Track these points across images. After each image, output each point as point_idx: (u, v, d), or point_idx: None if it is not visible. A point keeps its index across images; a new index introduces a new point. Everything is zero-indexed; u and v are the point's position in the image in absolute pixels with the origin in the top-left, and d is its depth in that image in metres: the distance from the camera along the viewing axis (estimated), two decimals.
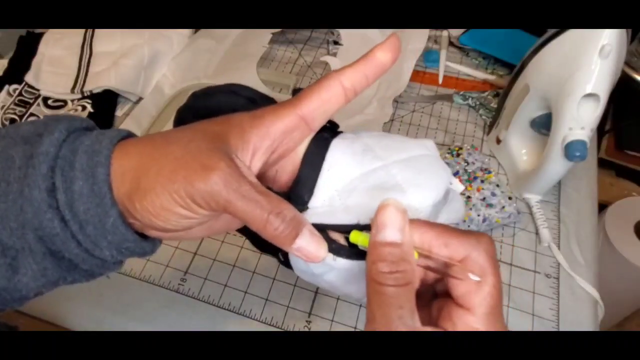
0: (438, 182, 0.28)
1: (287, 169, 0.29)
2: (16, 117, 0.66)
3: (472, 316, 0.23)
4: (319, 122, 0.27)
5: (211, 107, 0.32)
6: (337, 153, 0.28)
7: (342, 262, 0.26)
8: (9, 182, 0.24)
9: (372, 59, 0.27)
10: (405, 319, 0.22)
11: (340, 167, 0.28)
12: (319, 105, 0.27)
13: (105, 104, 0.69)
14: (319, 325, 0.48)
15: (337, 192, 0.27)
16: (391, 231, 0.23)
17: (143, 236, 0.26)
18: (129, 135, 0.26)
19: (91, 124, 0.27)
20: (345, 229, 0.26)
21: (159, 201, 0.23)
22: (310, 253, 0.24)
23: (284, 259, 0.32)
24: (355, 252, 0.26)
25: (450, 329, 0.23)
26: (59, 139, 0.24)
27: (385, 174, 0.27)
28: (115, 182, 0.24)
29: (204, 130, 0.25)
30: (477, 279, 0.23)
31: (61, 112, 0.68)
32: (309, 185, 0.28)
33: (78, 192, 0.23)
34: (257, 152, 0.26)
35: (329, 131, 0.30)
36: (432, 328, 0.23)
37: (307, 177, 0.28)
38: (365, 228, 0.25)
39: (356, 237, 0.25)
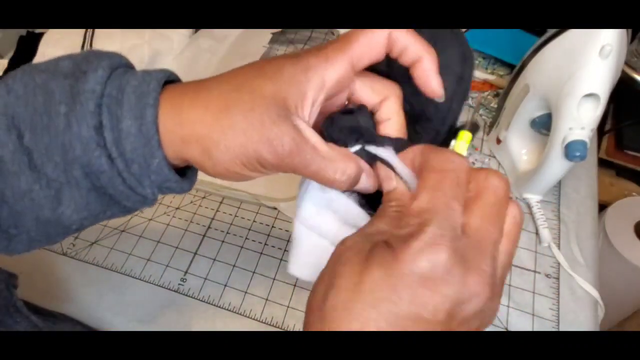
0: None
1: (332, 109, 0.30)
2: None
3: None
4: (361, 68, 0.27)
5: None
6: None
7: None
8: (51, 117, 0.24)
9: (430, 62, 0.28)
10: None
11: None
12: (365, 51, 0.26)
13: None
14: None
15: None
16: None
17: (180, 173, 0.28)
18: (171, 75, 0.27)
19: (129, 61, 0.28)
20: None
21: (231, 168, 0.25)
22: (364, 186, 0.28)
23: None
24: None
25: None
26: (104, 76, 0.25)
27: None
28: (172, 134, 0.25)
29: (261, 93, 0.25)
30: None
31: None
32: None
33: (126, 131, 0.24)
34: (315, 104, 0.26)
35: None
36: None
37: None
38: None
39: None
